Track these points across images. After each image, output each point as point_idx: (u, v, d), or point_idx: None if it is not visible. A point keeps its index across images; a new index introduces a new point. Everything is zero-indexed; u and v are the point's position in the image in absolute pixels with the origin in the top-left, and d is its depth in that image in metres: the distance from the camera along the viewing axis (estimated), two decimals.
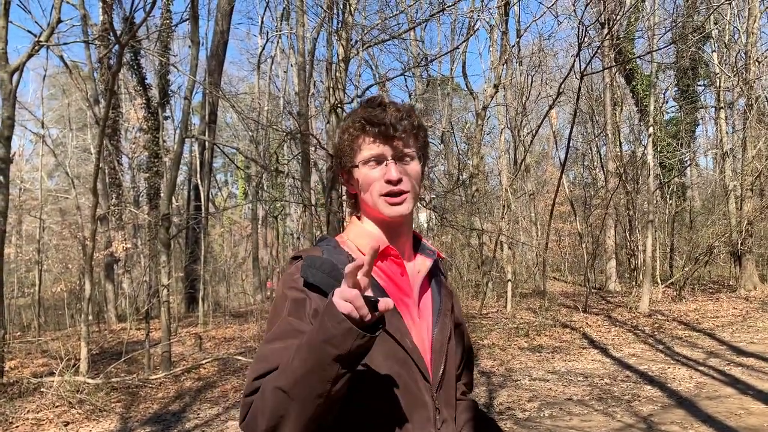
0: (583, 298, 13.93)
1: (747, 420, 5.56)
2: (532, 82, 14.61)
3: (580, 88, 10.81)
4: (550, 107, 10.95)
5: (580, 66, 10.61)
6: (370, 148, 1.28)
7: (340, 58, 11.73)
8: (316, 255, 1.28)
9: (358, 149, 1.30)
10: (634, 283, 15.66)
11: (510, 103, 18.61)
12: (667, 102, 20.03)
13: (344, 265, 1.21)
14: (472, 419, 1.45)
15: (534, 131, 13.76)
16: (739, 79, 14.03)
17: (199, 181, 17.72)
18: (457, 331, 1.45)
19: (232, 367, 9.31)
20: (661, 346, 9.29)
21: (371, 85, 12.78)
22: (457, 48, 11.02)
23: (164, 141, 18.38)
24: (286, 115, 19.46)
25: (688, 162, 18.85)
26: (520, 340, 10.27)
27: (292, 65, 25.94)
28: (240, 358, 8.95)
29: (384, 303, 1.03)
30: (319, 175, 15.41)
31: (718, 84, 15.03)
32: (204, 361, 9.40)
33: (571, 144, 26.84)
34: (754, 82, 13.95)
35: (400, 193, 1.27)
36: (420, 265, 1.38)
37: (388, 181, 1.27)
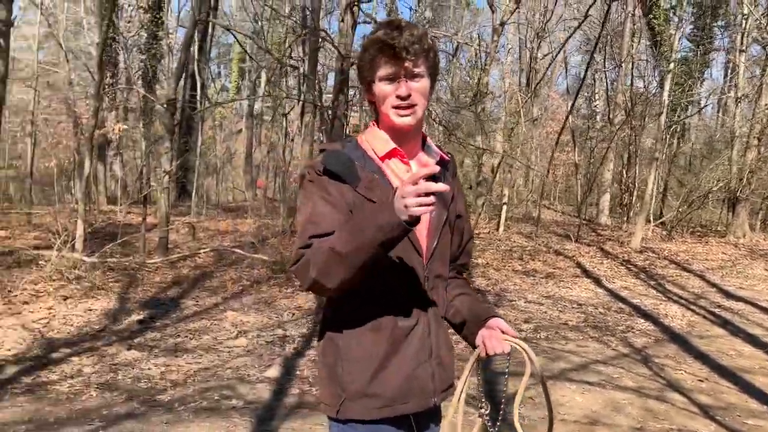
0: (574, 228, 14.07)
1: (738, 361, 5.72)
2: (556, 2, 13.98)
3: (608, 12, 10.40)
4: (575, 29, 10.55)
5: None
6: (385, 67, 1.52)
7: None
8: (338, 149, 1.60)
9: (376, 67, 1.54)
10: (625, 218, 15.79)
11: (525, 22, 17.99)
12: (682, 40, 19.51)
13: (359, 160, 1.57)
14: (462, 294, 1.77)
15: (555, 54, 13.36)
16: (766, 24, 13.59)
17: (196, 69, 17.10)
18: (458, 221, 1.74)
19: (228, 259, 9.32)
20: (652, 282, 9.46)
21: None
22: None
23: (163, 22, 17.59)
24: (294, 10, 18.58)
25: (701, 104, 18.57)
26: (513, 262, 10.38)
27: None
28: (238, 251, 8.93)
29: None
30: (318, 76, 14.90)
31: (744, 26, 14.58)
32: (202, 250, 9.39)
33: (578, 73, 26.25)
34: None
35: (408, 106, 1.53)
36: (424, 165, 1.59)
37: (399, 96, 1.52)
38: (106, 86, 15.50)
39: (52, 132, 17.91)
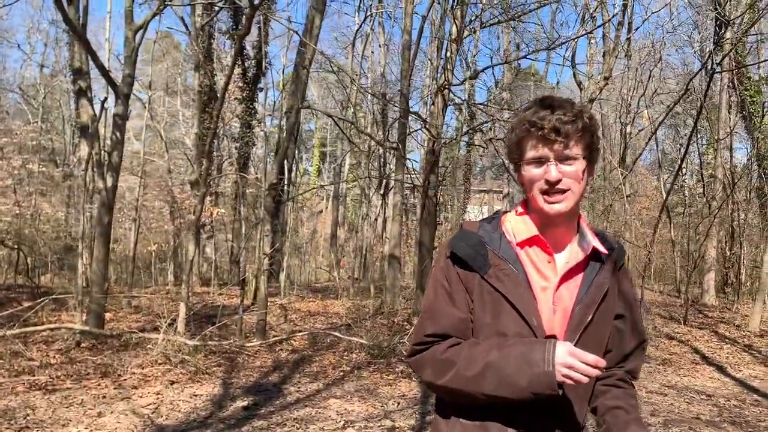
0: (678, 309, 13.25)
1: None
2: (650, 76, 13.74)
3: (708, 85, 10.08)
4: (676, 102, 10.24)
5: (712, 62, 9.88)
6: (533, 149, 1.42)
7: (452, 37, 11.34)
8: (471, 231, 1.52)
9: (523, 149, 1.44)
10: (736, 297, 14.70)
11: (611, 97, 17.77)
12: None
13: (493, 243, 1.47)
14: (617, 408, 1.53)
15: (654, 129, 12.98)
16: None
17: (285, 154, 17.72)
18: (619, 321, 1.56)
19: (323, 342, 9.17)
20: None
21: (486, 68, 12.31)
22: (586, 34, 10.32)
23: (255, 111, 18.51)
24: (377, 94, 19.19)
25: None
26: None
27: (380, 45, 25.70)
28: (337, 334, 8.78)
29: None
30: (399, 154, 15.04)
31: None
32: (299, 333, 9.31)
33: (661, 148, 25.54)
34: None
35: (558, 192, 1.40)
36: (572, 256, 1.48)
37: (547, 182, 1.40)
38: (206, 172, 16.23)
39: (151, 217, 18.79)
